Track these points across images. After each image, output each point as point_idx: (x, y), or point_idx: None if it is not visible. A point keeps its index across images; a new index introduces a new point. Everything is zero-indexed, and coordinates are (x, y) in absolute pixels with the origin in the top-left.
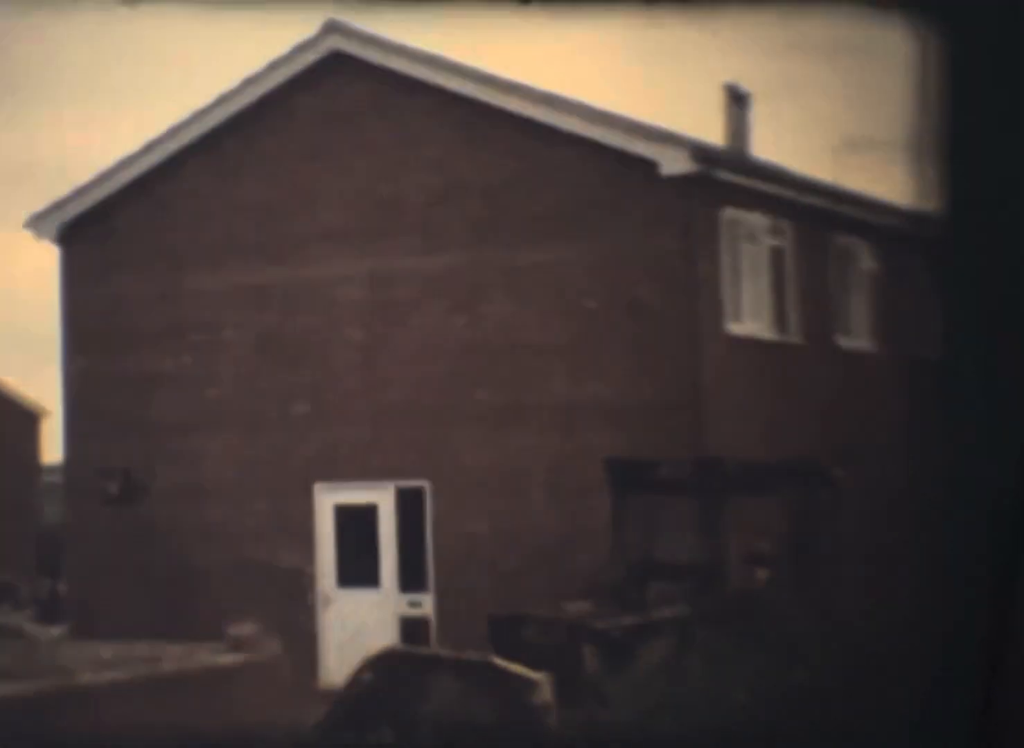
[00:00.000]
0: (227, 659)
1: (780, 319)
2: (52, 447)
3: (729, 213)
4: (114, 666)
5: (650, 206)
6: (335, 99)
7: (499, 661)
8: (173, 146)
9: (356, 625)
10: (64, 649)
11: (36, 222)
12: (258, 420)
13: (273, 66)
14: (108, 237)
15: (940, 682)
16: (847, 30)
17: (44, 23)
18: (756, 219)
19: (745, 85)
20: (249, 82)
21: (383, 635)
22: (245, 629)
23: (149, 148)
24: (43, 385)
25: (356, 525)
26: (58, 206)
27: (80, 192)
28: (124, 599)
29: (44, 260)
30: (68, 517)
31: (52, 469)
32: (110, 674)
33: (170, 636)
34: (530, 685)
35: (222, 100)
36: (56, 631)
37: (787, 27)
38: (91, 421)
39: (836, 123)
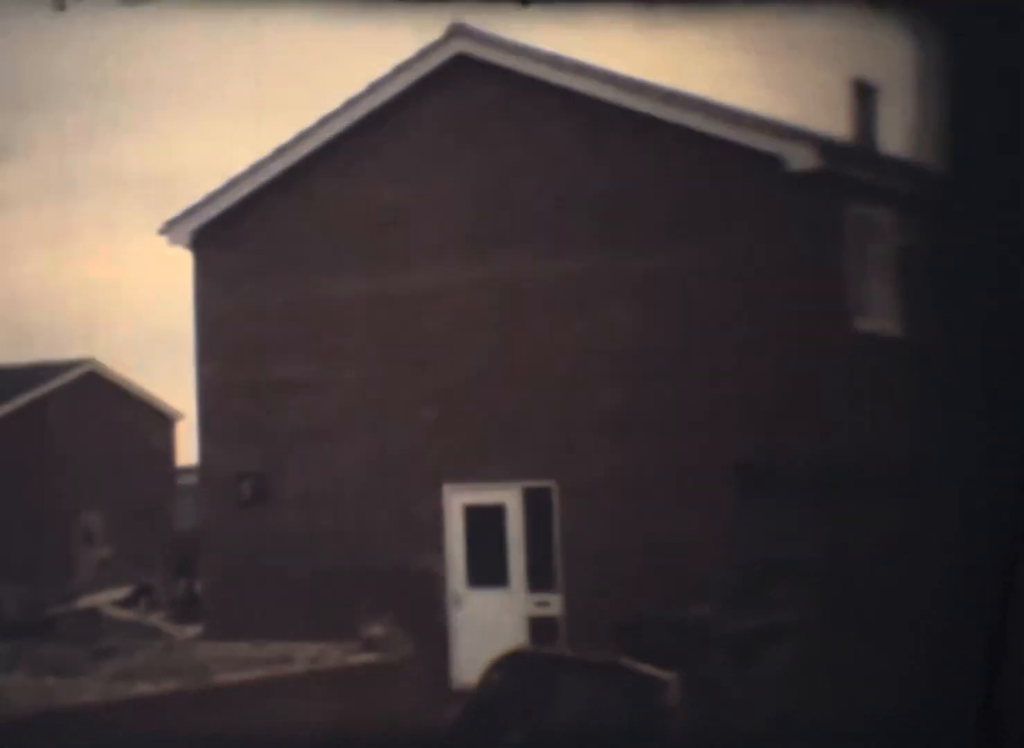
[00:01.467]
0: (360, 659)
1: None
2: (186, 449)
3: (855, 209)
4: (248, 666)
5: (775, 203)
6: (459, 102)
7: (628, 661)
8: (300, 152)
9: (486, 625)
10: (199, 649)
11: (170, 228)
12: (387, 424)
13: (398, 70)
14: (238, 243)
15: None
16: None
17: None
18: (883, 215)
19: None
20: (374, 87)
21: (512, 635)
22: (377, 629)
23: (277, 154)
24: (179, 387)
25: (485, 525)
26: (190, 212)
27: (211, 198)
28: (258, 599)
29: (182, 263)
30: (203, 519)
31: (186, 471)
32: (245, 673)
33: (303, 636)
34: (661, 685)
35: (348, 105)
36: (191, 631)
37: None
38: (224, 425)
39: None
